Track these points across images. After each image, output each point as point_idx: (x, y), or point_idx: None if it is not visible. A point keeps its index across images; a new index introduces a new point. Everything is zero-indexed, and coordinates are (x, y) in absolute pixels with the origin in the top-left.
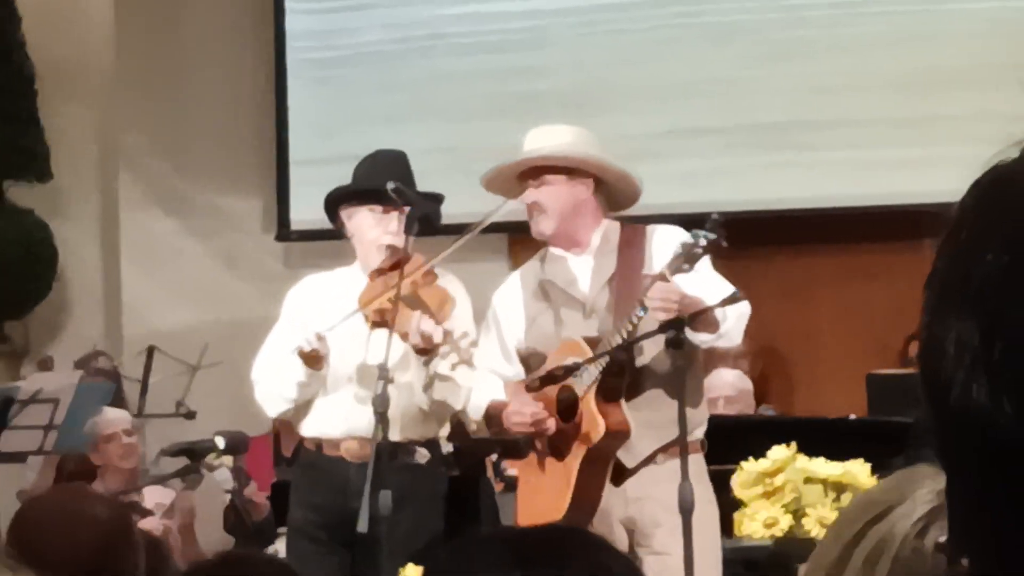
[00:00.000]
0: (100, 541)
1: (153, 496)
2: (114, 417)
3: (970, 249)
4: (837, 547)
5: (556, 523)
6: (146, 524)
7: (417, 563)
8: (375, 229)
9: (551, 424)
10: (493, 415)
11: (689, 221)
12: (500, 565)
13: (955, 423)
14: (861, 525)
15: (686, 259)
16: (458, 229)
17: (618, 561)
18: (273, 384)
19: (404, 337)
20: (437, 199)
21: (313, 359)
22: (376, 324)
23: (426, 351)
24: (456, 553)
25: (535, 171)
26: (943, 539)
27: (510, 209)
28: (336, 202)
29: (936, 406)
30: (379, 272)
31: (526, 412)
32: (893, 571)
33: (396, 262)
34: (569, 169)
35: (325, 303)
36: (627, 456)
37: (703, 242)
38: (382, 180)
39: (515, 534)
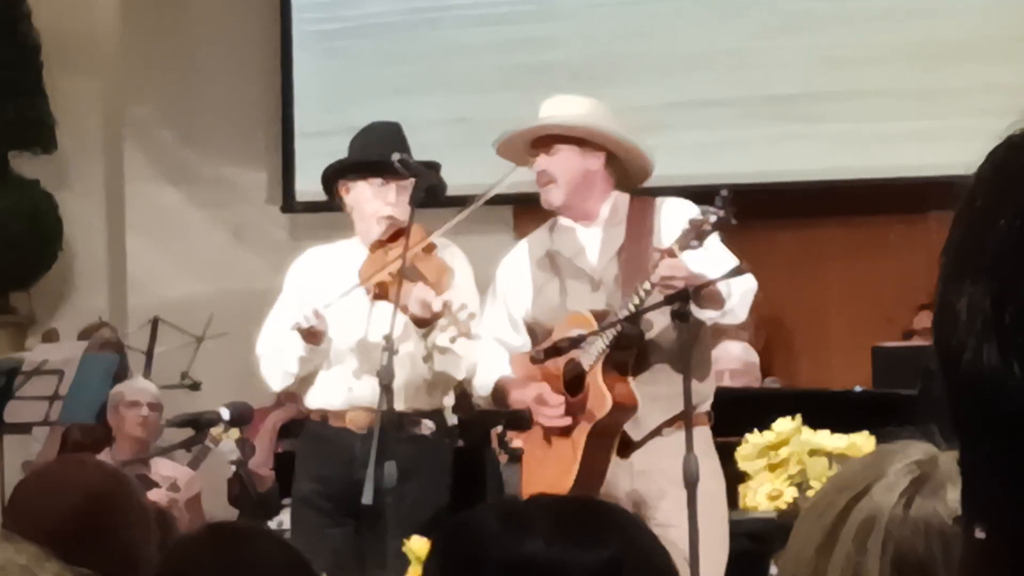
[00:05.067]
0: (86, 509)
1: (161, 469)
2: (142, 387)
3: (984, 217)
4: (821, 530)
5: (593, 497)
6: (152, 496)
7: (424, 534)
8: (374, 201)
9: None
10: (501, 393)
11: (698, 193)
12: (546, 533)
13: (967, 388)
14: (843, 505)
15: (695, 235)
16: (464, 200)
17: (651, 539)
18: (275, 359)
19: (404, 309)
20: (435, 168)
21: (312, 335)
22: (377, 296)
23: (425, 322)
24: (504, 513)
25: (547, 140)
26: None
27: (514, 180)
28: (334, 176)
29: (948, 372)
30: (380, 243)
31: (548, 408)
32: (886, 544)
33: (397, 233)
34: (581, 140)
35: (327, 276)
36: (633, 429)
37: (712, 219)
38: (381, 152)
39: (562, 504)
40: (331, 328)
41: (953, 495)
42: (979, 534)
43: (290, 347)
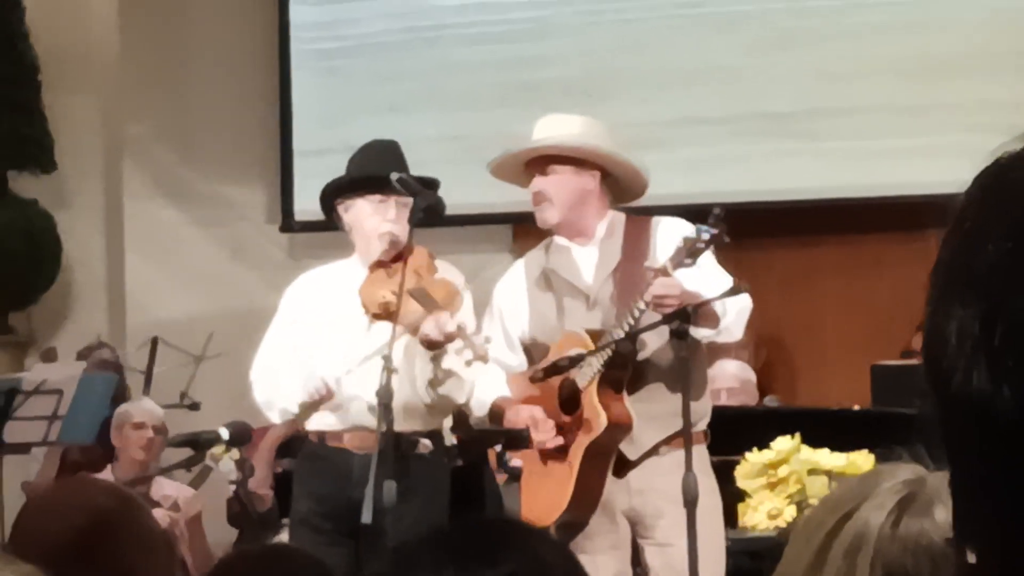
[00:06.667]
0: (94, 530)
1: (162, 488)
2: (149, 409)
3: (973, 238)
4: (811, 550)
5: (492, 516)
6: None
7: None
8: (374, 217)
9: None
10: (498, 413)
11: (694, 210)
12: (433, 564)
13: (957, 411)
14: (833, 524)
15: (688, 254)
16: (463, 219)
17: (554, 552)
18: (274, 395)
19: (413, 331)
20: (433, 184)
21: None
22: (378, 316)
23: (437, 344)
24: (395, 556)
25: (542, 160)
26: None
27: (513, 199)
28: (333, 195)
29: (939, 393)
30: (380, 264)
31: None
32: (874, 562)
33: (398, 254)
34: (576, 159)
35: (324, 298)
36: (630, 448)
37: (705, 237)
38: (379, 169)
39: (448, 531)
40: (329, 347)
41: (941, 514)
42: (970, 557)
43: (291, 390)
